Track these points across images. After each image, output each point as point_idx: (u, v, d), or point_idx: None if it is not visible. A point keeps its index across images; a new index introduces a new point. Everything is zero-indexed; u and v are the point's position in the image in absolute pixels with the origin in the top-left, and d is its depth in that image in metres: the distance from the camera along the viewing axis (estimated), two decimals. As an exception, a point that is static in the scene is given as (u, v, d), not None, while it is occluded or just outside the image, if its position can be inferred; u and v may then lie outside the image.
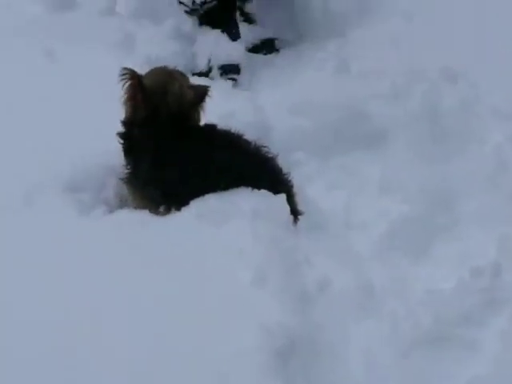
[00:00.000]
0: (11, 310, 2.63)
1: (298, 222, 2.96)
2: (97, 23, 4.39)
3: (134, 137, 3.03)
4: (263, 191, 2.89)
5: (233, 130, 3.06)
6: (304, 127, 3.54)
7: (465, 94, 3.40)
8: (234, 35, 4.52)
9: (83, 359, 2.42)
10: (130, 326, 2.53)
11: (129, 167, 3.02)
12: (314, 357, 2.45)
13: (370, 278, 2.74)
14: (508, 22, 4.04)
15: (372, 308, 2.64)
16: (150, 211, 2.95)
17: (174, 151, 2.97)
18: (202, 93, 3.10)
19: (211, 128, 3.07)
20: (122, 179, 3.04)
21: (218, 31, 4.43)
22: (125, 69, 3.01)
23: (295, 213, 2.97)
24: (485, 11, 4.10)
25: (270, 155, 3.07)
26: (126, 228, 2.84)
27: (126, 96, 3.03)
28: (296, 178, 3.11)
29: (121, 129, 3.02)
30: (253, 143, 3.07)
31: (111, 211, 3.01)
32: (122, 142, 3.02)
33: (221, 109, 3.26)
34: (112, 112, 3.12)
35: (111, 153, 3.10)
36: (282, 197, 2.87)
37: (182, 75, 3.20)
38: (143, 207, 2.99)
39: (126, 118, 3.05)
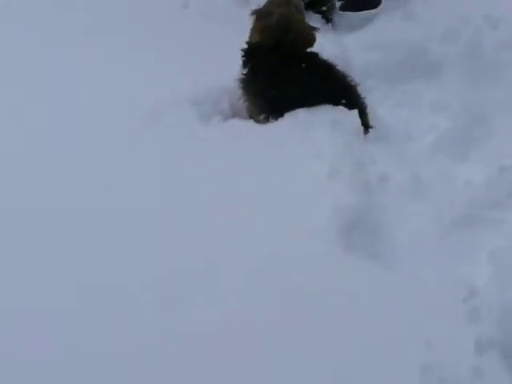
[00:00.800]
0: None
1: (369, 134, 3.01)
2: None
3: (256, 56, 3.12)
4: (341, 107, 2.99)
5: (328, 60, 3.15)
6: (376, 61, 3.59)
7: (503, 37, 3.45)
8: None
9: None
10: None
11: (246, 76, 3.10)
12: (371, 231, 2.59)
13: (420, 174, 2.85)
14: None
15: (420, 196, 2.75)
16: (253, 116, 3.08)
17: (285, 73, 3.05)
18: (314, 36, 3.17)
19: (314, 56, 3.14)
20: (239, 82, 3.11)
21: None
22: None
23: (367, 126, 3.05)
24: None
25: (353, 82, 3.14)
26: (236, 134, 2.93)
27: (258, 25, 3.12)
28: (369, 100, 3.19)
29: (245, 46, 3.12)
30: (341, 72, 3.14)
31: (225, 120, 3.09)
32: (243, 56, 3.11)
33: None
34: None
35: (225, 76, 3.18)
36: (355, 112, 2.98)
37: (301, 11, 3.23)
38: (250, 111, 3.11)
39: (251, 40, 3.14)
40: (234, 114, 3.16)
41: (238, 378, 1.98)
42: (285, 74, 3.06)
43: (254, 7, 3.23)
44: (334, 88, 3.08)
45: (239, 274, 2.30)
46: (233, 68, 3.15)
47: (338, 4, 4.25)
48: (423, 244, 2.57)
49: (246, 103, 3.12)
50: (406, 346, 2.10)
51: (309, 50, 3.17)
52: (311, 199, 2.59)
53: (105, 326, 2.11)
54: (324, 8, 4.17)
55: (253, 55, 3.13)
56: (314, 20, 3.77)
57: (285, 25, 3.09)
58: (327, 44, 3.37)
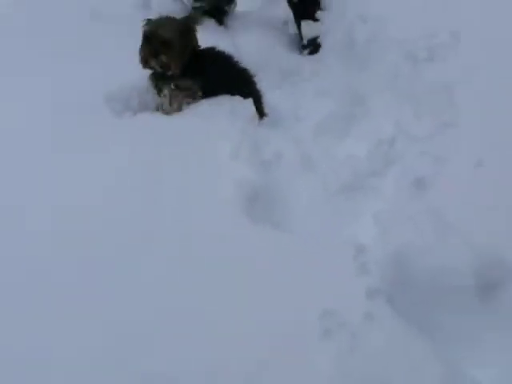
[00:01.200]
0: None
1: (264, 119, 3.09)
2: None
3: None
4: (238, 97, 3.04)
5: (226, 52, 3.14)
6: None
7: (371, 31, 3.55)
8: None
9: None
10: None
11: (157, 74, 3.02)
12: (271, 202, 2.69)
13: (309, 151, 2.94)
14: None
15: (310, 170, 2.86)
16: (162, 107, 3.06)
17: (195, 67, 2.99)
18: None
19: (213, 50, 3.10)
20: (151, 78, 3.05)
21: None
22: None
23: (262, 113, 3.13)
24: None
25: (251, 73, 3.16)
26: (148, 126, 2.93)
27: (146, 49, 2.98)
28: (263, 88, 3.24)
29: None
30: (239, 63, 3.16)
31: (135, 114, 3.04)
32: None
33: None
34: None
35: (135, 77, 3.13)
36: (250, 101, 3.04)
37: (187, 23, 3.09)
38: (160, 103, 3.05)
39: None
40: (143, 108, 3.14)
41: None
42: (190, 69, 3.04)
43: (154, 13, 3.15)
44: (234, 78, 3.12)
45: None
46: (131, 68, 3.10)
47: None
48: (315, 211, 2.65)
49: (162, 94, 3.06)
50: (306, 295, 2.19)
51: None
52: (216, 177, 2.66)
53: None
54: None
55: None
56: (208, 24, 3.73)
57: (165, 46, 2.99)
58: (221, 43, 3.37)
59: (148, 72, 3.05)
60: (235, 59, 3.16)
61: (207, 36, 3.19)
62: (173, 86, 2.99)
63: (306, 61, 3.61)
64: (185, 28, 2.97)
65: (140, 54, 2.92)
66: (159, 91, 3.03)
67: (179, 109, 3.01)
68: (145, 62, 2.93)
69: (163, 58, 2.90)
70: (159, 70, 2.93)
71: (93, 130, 2.84)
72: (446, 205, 2.54)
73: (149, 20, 2.97)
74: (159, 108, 3.06)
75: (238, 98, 3.05)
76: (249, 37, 3.72)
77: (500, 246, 2.32)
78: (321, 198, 2.74)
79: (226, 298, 2.18)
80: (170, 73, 2.95)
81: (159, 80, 3.02)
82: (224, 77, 3.08)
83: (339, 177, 2.83)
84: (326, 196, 2.75)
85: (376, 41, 3.52)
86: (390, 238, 2.44)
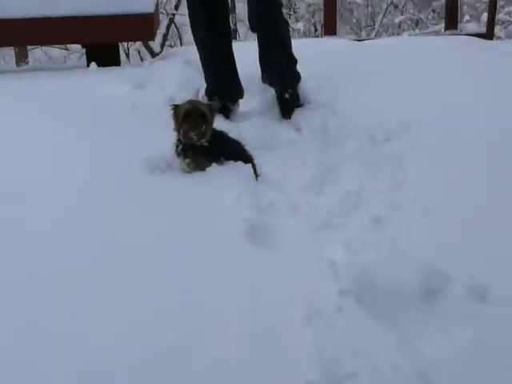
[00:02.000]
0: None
1: (258, 179, 3.14)
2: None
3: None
4: (240, 163, 3.13)
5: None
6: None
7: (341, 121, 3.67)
8: None
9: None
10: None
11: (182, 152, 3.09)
12: (266, 234, 2.72)
13: (295, 201, 3.03)
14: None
15: (296, 213, 2.94)
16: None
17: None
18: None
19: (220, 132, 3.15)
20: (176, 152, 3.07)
21: None
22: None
23: (256, 174, 3.18)
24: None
25: (244, 145, 3.23)
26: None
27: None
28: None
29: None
30: (236, 139, 3.25)
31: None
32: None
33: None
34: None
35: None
36: (249, 166, 3.15)
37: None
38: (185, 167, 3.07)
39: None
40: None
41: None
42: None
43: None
44: (235, 149, 3.22)
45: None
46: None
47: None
48: (300, 239, 2.73)
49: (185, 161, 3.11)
50: (293, 292, 2.34)
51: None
52: (225, 217, 2.74)
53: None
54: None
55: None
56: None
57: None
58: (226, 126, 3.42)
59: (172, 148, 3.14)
60: (233, 138, 3.30)
61: (218, 124, 3.29)
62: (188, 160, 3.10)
63: (290, 141, 3.63)
64: (211, 108, 3.11)
65: (180, 128, 3.04)
66: (183, 159, 3.10)
67: (196, 170, 3.09)
68: (185, 134, 3.02)
69: (202, 128, 3.01)
70: (196, 140, 3.03)
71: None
72: (398, 235, 2.70)
73: (175, 105, 3.08)
74: (182, 169, 3.12)
75: (240, 163, 3.15)
76: (248, 125, 3.73)
77: (438, 261, 2.47)
78: (304, 231, 2.81)
79: (231, 291, 2.31)
80: (204, 141, 3.06)
81: (183, 151, 3.11)
82: (228, 149, 3.21)
83: (318, 216, 2.91)
84: (308, 229, 2.82)
85: (344, 128, 3.63)
86: (356, 257, 2.56)
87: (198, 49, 3.87)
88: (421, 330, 2.27)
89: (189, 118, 2.99)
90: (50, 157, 3.12)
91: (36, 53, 11.38)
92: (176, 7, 10.84)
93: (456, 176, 3.07)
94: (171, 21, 11.21)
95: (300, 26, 11.23)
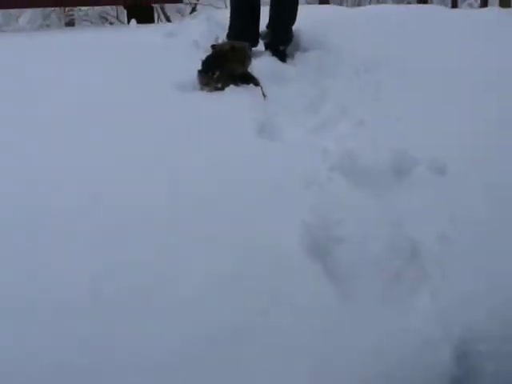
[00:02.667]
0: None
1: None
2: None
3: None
4: (251, 85, 3.22)
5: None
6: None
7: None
8: None
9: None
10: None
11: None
12: (272, 134, 2.84)
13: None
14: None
15: (298, 123, 3.03)
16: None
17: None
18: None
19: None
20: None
21: None
22: None
23: (264, 95, 3.20)
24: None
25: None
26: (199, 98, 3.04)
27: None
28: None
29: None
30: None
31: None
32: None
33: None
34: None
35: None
36: (259, 88, 3.22)
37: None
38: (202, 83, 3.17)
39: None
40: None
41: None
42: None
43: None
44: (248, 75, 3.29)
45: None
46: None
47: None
48: (298, 135, 2.83)
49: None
50: (293, 170, 2.52)
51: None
52: (240, 118, 2.85)
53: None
54: None
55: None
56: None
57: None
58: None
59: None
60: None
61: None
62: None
63: (292, 77, 3.58)
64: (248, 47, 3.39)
65: (227, 61, 3.23)
66: (212, 74, 3.17)
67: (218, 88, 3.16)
68: (232, 66, 3.24)
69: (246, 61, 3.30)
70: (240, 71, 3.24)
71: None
72: (377, 132, 2.85)
73: (215, 44, 3.31)
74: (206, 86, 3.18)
75: (251, 85, 3.25)
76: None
77: (406, 148, 2.66)
78: (302, 130, 2.89)
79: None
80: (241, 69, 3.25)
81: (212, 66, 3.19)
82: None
83: (314, 121, 2.99)
84: (306, 129, 2.92)
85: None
86: (343, 146, 2.69)
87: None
88: (394, 194, 2.46)
89: (235, 53, 3.20)
90: (102, 82, 3.26)
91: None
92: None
93: (422, 95, 3.24)
94: (193, 9, 11.38)
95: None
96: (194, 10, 11.22)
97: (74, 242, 1.97)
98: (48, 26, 10.06)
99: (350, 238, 2.18)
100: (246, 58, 3.26)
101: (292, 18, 3.92)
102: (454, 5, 6.26)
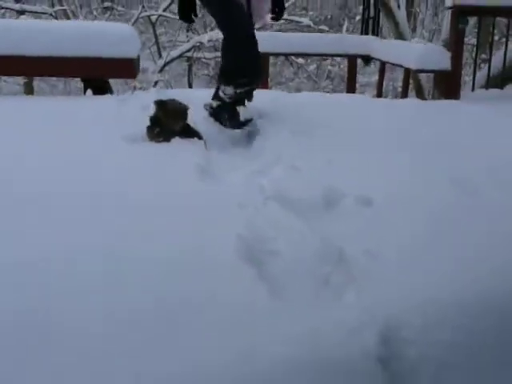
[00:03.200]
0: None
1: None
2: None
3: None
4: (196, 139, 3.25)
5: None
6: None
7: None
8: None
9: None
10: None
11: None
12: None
13: None
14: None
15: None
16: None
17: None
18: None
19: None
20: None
21: None
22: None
23: (205, 145, 3.24)
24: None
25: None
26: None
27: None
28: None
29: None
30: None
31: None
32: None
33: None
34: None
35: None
36: (202, 141, 3.26)
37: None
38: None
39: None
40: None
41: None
42: None
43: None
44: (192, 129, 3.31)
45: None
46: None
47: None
48: (238, 176, 2.91)
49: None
50: (227, 201, 2.57)
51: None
52: (180, 162, 2.93)
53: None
54: None
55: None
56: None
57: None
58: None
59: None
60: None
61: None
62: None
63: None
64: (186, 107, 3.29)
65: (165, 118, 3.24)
66: (154, 129, 3.24)
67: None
68: (169, 123, 3.26)
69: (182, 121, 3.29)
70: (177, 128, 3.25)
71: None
72: (309, 173, 3.00)
73: (160, 100, 3.27)
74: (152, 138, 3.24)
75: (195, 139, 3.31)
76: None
77: (334, 183, 2.80)
78: (242, 174, 2.94)
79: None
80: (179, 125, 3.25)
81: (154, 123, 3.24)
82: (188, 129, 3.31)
83: (252, 168, 3.03)
84: (245, 174, 2.95)
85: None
86: (277, 184, 2.79)
87: (232, 47, 3.48)
88: (323, 219, 2.51)
89: (169, 111, 3.21)
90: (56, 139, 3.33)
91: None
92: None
93: (352, 146, 3.45)
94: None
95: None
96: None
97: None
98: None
99: (282, 250, 2.20)
100: (180, 116, 3.25)
101: (228, 66, 3.54)
102: (379, 94, 6.56)
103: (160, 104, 3.18)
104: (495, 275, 2.21)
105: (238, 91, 3.54)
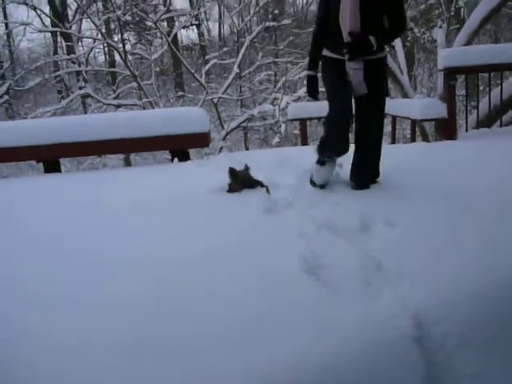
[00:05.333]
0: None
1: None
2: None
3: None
4: (259, 187, 3.27)
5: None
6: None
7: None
8: None
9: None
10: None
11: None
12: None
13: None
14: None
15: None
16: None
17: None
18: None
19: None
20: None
21: None
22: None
23: (268, 192, 3.20)
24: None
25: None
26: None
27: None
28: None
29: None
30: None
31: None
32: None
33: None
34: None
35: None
36: (264, 188, 3.25)
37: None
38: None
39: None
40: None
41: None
42: None
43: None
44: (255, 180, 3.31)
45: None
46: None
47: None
48: (294, 212, 2.96)
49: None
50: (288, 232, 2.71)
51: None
52: (250, 207, 3.04)
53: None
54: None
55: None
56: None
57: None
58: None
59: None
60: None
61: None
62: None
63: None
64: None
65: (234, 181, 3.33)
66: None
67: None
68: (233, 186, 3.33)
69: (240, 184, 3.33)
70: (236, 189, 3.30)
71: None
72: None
73: (233, 169, 3.32)
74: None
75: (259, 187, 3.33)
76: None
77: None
78: (293, 210, 2.94)
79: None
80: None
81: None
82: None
83: (306, 213, 2.99)
84: (297, 210, 2.95)
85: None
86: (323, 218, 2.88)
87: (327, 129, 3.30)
88: (360, 241, 2.58)
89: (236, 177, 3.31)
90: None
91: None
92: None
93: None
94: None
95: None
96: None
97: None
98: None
99: (333, 264, 2.27)
100: (245, 177, 3.37)
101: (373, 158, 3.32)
102: (393, 141, 6.63)
103: (233, 174, 3.32)
104: (503, 266, 2.22)
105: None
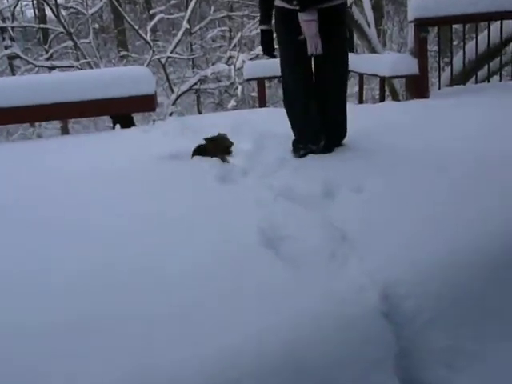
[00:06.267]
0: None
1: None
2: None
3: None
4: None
5: None
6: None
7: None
8: None
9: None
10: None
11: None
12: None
13: None
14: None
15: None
16: None
17: None
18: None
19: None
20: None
21: None
22: None
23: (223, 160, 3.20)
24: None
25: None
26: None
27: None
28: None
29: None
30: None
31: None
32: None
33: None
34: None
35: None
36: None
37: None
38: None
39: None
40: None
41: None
42: None
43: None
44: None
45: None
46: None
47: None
48: (252, 180, 3.04)
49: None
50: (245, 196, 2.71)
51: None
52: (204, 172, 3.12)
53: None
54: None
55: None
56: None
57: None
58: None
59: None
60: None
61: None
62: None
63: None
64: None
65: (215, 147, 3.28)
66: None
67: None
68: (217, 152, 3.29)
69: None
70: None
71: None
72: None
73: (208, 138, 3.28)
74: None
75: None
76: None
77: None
78: (253, 178, 2.98)
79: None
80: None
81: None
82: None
83: (260, 171, 3.07)
84: (257, 176, 2.99)
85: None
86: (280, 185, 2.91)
87: (290, 112, 3.32)
88: (324, 208, 2.57)
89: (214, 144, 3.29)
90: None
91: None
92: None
93: None
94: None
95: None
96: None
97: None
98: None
99: (293, 235, 2.26)
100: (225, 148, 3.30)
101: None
102: (360, 102, 6.66)
103: (209, 139, 3.28)
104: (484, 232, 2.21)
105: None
